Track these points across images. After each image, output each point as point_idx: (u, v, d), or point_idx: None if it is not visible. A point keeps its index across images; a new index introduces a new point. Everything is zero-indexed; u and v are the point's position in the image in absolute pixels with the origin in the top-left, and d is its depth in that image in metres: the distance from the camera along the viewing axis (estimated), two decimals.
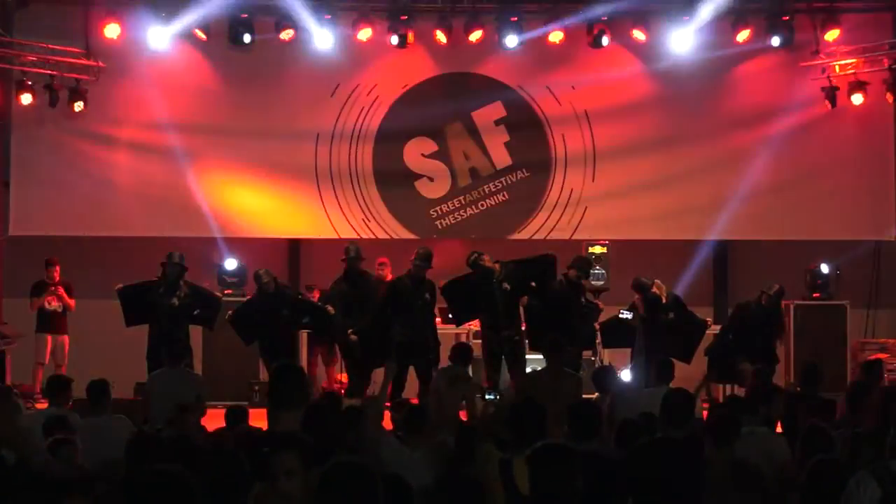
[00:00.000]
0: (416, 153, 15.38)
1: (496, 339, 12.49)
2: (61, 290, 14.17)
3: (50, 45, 14.56)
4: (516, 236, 15.31)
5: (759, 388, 8.22)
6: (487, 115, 15.36)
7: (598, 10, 14.68)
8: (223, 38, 14.83)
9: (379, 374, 13.69)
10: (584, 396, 9.85)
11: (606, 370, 10.14)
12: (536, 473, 4.23)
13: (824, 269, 14.62)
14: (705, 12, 14.51)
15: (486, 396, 10.93)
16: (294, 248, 15.96)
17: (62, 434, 7.00)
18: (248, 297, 13.50)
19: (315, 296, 14.31)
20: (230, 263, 14.55)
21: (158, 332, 12.53)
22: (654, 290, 12.74)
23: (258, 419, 11.90)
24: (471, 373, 10.70)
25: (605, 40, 14.78)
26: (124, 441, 8.52)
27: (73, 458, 6.59)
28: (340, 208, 15.33)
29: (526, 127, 15.37)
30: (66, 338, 14.21)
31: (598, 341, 13.33)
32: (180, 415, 8.37)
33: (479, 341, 12.78)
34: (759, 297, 13.23)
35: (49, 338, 14.12)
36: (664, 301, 12.72)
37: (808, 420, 6.95)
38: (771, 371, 11.30)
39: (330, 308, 13.04)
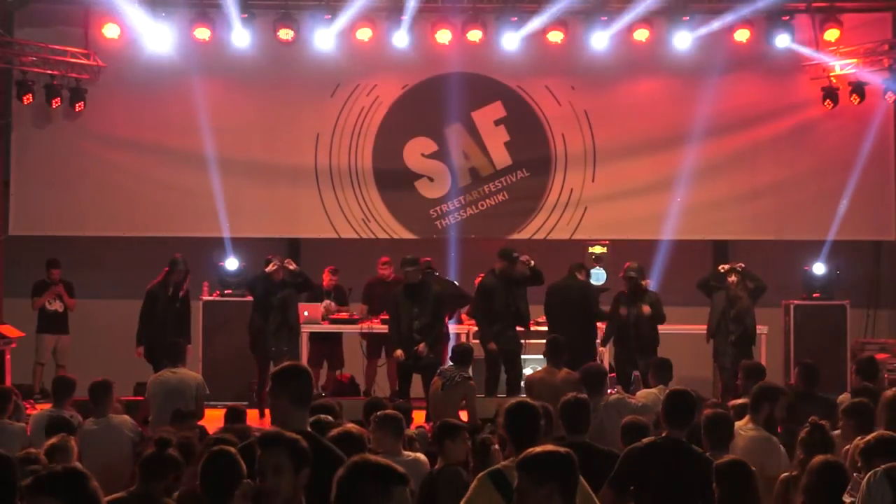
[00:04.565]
0: (416, 153, 15.38)
1: (497, 341, 12.45)
2: (62, 290, 14.16)
3: (50, 45, 14.57)
4: (516, 236, 15.29)
5: (763, 388, 8.16)
6: (487, 115, 15.36)
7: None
8: (223, 37, 14.81)
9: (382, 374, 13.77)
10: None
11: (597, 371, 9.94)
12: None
13: (824, 269, 14.61)
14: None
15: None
16: (294, 247, 15.94)
17: (64, 436, 7.00)
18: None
19: None
20: (231, 263, 14.50)
21: (163, 333, 12.27)
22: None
23: (257, 419, 11.97)
24: (471, 373, 10.68)
25: (605, 39, 14.81)
26: (126, 441, 8.60)
27: (70, 460, 6.56)
28: (340, 208, 15.33)
29: (526, 127, 15.37)
30: (67, 338, 14.20)
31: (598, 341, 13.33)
32: (179, 420, 8.43)
33: (478, 341, 12.74)
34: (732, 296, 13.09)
35: (50, 338, 14.11)
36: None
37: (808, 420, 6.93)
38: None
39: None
